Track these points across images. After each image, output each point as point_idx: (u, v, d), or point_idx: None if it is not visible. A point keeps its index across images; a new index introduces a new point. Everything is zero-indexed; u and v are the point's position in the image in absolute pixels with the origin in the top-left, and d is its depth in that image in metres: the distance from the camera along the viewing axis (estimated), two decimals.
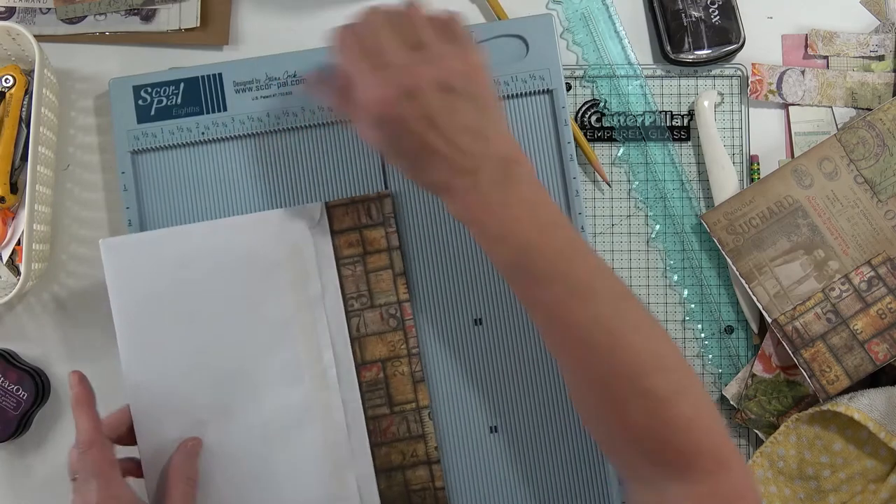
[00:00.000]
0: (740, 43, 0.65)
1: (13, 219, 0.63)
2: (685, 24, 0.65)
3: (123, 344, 0.59)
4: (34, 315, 0.65)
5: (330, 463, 0.60)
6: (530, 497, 0.61)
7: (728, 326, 0.64)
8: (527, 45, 0.63)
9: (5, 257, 0.63)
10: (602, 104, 0.66)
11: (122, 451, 0.58)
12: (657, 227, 0.65)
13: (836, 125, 0.66)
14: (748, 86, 0.65)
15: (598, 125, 0.66)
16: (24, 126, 0.62)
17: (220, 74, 0.63)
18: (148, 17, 0.66)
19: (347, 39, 0.52)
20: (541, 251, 0.49)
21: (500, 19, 0.65)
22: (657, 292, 0.65)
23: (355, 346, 0.61)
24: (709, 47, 0.65)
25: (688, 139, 0.66)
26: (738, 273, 0.62)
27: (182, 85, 0.63)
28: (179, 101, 0.63)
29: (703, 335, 0.65)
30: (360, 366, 0.61)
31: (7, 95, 0.62)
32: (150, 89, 0.63)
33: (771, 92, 0.65)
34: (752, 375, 0.63)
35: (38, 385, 0.63)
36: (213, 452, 0.59)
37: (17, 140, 0.62)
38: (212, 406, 0.59)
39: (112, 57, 0.67)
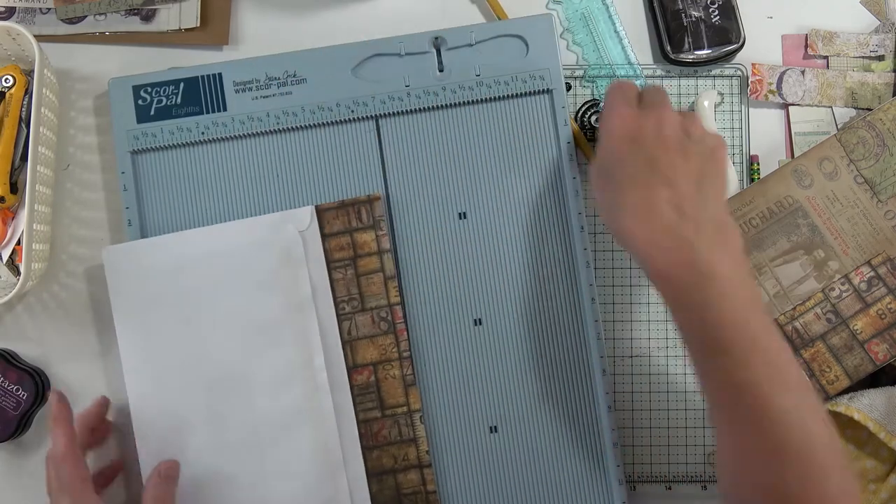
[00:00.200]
0: (740, 43, 0.65)
1: (13, 219, 0.63)
2: (685, 24, 0.65)
3: (125, 350, 0.61)
4: (34, 315, 0.65)
5: (321, 466, 0.60)
6: (528, 499, 0.61)
7: None
8: (527, 45, 0.63)
9: (5, 257, 0.63)
10: (602, 104, 0.66)
11: (98, 461, 0.61)
12: None
13: (836, 125, 0.65)
14: (748, 86, 0.65)
15: (598, 125, 0.66)
16: (24, 126, 0.62)
17: (219, 74, 0.63)
18: (148, 17, 0.66)
19: (618, 87, 0.57)
20: (742, 333, 0.49)
21: (499, 19, 0.65)
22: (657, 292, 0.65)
23: (346, 349, 0.61)
24: (709, 47, 0.65)
25: None
26: None
27: (182, 85, 0.63)
28: (179, 100, 0.63)
29: None
30: (352, 369, 0.61)
31: (7, 95, 0.62)
32: (149, 89, 0.63)
33: (771, 92, 0.65)
34: None
35: (38, 385, 0.63)
36: (205, 455, 0.60)
37: (17, 140, 0.62)
38: (206, 409, 0.60)
39: (112, 57, 0.67)
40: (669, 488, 0.64)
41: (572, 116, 0.66)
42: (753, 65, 0.65)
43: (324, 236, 0.62)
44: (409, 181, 0.63)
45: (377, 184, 0.63)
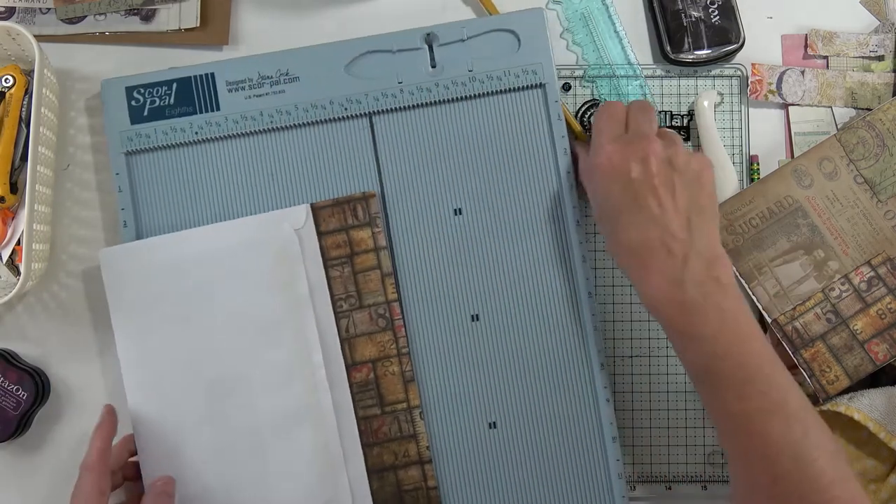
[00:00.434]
0: (740, 43, 0.65)
1: (13, 219, 0.63)
2: (685, 24, 0.65)
3: (123, 351, 0.61)
4: (34, 315, 0.65)
5: (322, 464, 0.60)
6: (529, 494, 0.62)
7: None
8: (519, 39, 0.64)
9: (5, 257, 0.63)
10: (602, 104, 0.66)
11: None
12: None
13: (836, 125, 0.65)
14: (748, 86, 0.65)
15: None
16: (24, 126, 0.62)
17: (212, 74, 0.63)
18: (148, 17, 0.66)
19: (606, 111, 0.59)
20: (738, 363, 0.50)
21: (490, 14, 0.65)
22: None
23: (345, 347, 0.61)
24: (708, 47, 0.65)
25: (687, 139, 0.66)
26: (737, 273, 0.62)
27: (175, 85, 0.63)
28: (172, 101, 0.63)
29: None
30: (351, 367, 0.61)
31: (7, 95, 0.62)
32: (142, 90, 0.63)
33: (771, 92, 0.65)
34: None
35: (38, 385, 0.63)
36: (205, 455, 0.60)
37: (17, 140, 0.62)
38: (205, 409, 0.60)
39: (112, 57, 0.67)
40: (669, 488, 0.64)
41: (573, 116, 0.66)
42: (753, 65, 0.65)
43: (320, 234, 0.62)
44: (404, 178, 0.63)
45: (372, 181, 0.63)
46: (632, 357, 0.64)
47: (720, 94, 0.66)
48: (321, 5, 0.67)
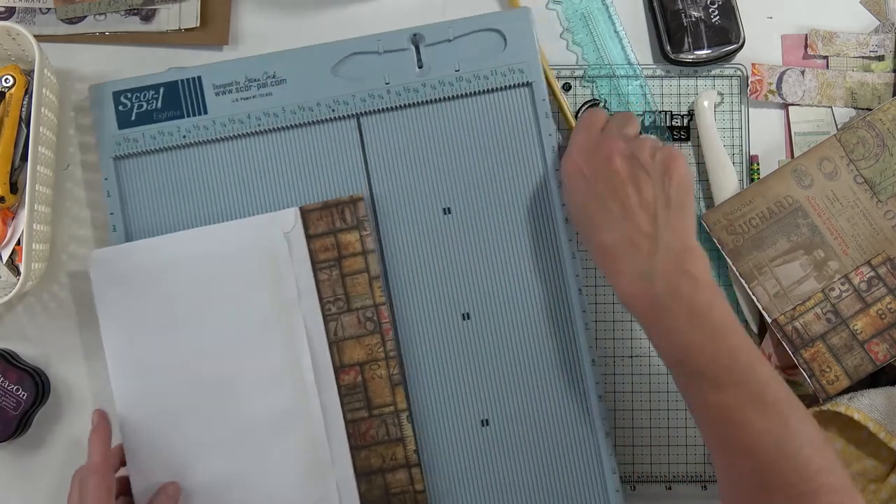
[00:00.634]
0: (740, 43, 0.65)
1: (13, 219, 0.63)
2: (685, 24, 0.65)
3: (111, 354, 0.61)
4: (34, 315, 0.65)
5: (310, 467, 0.60)
6: (522, 491, 0.62)
7: None
8: (505, 39, 0.64)
9: (5, 257, 0.63)
10: (602, 104, 0.66)
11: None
12: None
13: (836, 125, 0.65)
14: (748, 86, 0.65)
15: None
16: (24, 126, 0.62)
17: (199, 77, 0.63)
18: (148, 17, 0.66)
19: (585, 120, 0.60)
20: (712, 355, 0.50)
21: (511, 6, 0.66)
22: None
23: (333, 350, 0.61)
24: (709, 47, 0.65)
25: (687, 139, 0.66)
26: (737, 273, 0.62)
27: (162, 89, 0.63)
28: (160, 105, 0.63)
29: None
30: (339, 370, 0.61)
31: (7, 95, 0.62)
32: (129, 94, 0.63)
33: (771, 92, 0.65)
34: None
35: (38, 385, 0.63)
36: (193, 458, 0.60)
37: (17, 140, 0.62)
38: (193, 412, 0.60)
39: (112, 57, 0.67)
40: (669, 488, 0.64)
41: (573, 116, 0.66)
42: (753, 65, 0.65)
43: (308, 237, 0.62)
44: (393, 178, 0.63)
45: (360, 182, 0.63)
46: (632, 357, 0.64)
47: (720, 94, 0.66)
48: (321, 5, 0.67)
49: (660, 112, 0.66)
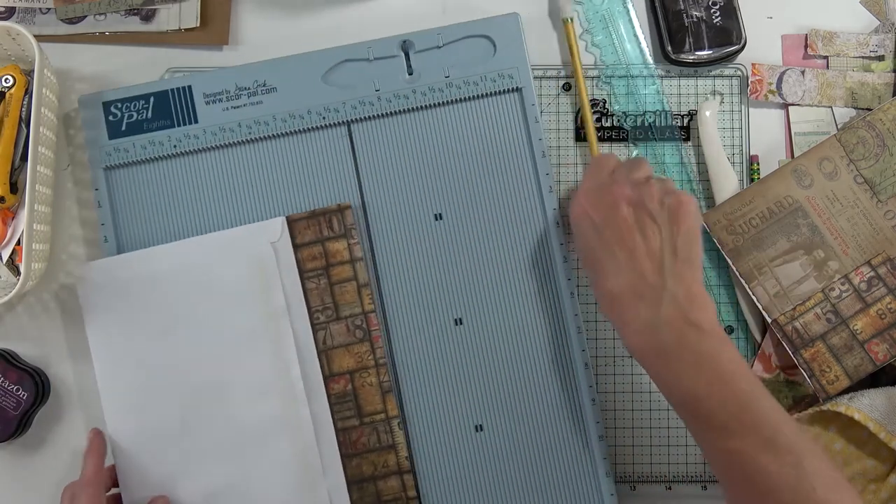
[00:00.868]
0: (741, 44, 0.65)
1: (13, 219, 0.63)
2: (686, 24, 0.65)
3: (99, 365, 0.61)
4: (34, 315, 0.65)
5: (301, 476, 0.60)
6: (516, 496, 0.62)
7: (728, 327, 0.64)
8: (494, 45, 0.64)
9: (5, 257, 0.63)
10: (602, 104, 0.66)
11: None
12: None
13: (836, 125, 0.65)
14: (748, 86, 0.65)
15: (597, 125, 0.66)
16: (24, 126, 0.62)
17: (189, 87, 0.63)
18: (148, 17, 0.66)
19: (594, 164, 0.58)
20: (721, 402, 0.50)
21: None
22: None
23: (322, 358, 0.61)
24: (710, 48, 0.65)
25: (688, 139, 0.66)
26: (737, 273, 0.62)
27: (152, 99, 0.63)
28: (150, 115, 0.63)
29: None
30: (328, 378, 0.61)
31: (7, 95, 0.62)
32: (119, 104, 0.63)
33: (771, 92, 0.65)
34: None
35: (38, 385, 0.63)
36: (183, 468, 0.60)
37: (17, 140, 0.62)
38: (183, 422, 0.60)
39: (112, 57, 0.67)
40: (669, 488, 0.64)
41: (573, 116, 0.66)
42: (753, 65, 0.65)
43: (296, 247, 0.62)
44: (384, 185, 0.63)
45: (352, 189, 0.63)
46: (632, 357, 0.64)
47: (720, 93, 0.66)
48: (321, 6, 0.67)
49: (660, 112, 0.66)
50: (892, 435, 0.57)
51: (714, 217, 0.63)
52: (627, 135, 0.66)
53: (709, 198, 0.65)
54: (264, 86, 0.63)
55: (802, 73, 0.66)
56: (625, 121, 0.66)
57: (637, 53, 0.66)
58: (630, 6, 0.66)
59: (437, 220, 0.63)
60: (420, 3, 0.67)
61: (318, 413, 0.61)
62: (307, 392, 0.60)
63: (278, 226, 0.62)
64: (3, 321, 0.65)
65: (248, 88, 0.63)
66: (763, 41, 0.66)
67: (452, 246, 0.63)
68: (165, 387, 0.60)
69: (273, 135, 0.63)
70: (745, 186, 0.65)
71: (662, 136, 0.65)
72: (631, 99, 0.66)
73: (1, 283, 0.63)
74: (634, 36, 0.66)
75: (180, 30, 0.66)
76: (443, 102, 0.63)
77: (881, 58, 0.66)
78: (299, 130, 0.63)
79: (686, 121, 0.66)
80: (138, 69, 0.65)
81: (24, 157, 0.61)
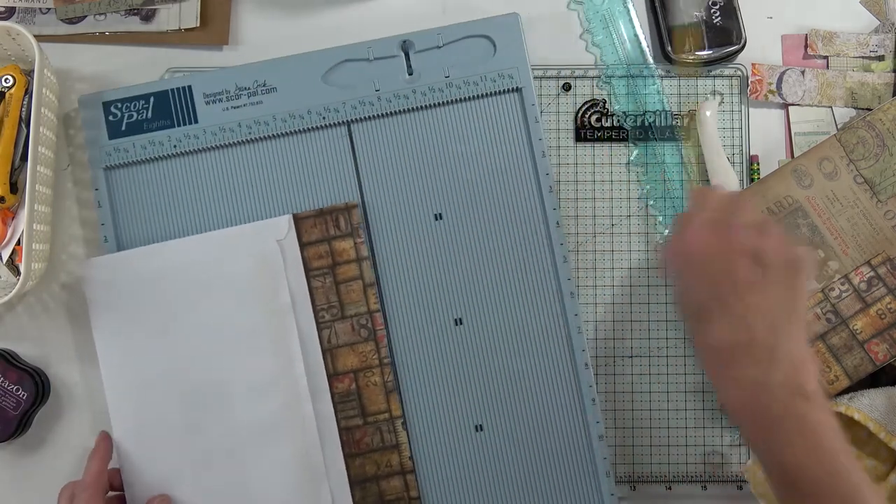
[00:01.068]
0: (741, 44, 0.65)
1: (13, 219, 0.63)
2: (686, 24, 0.65)
3: (104, 361, 0.61)
4: (34, 315, 0.65)
5: (303, 475, 0.60)
6: (517, 496, 0.62)
7: None
8: (494, 45, 0.64)
9: (5, 257, 0.63)
10: (602, 104, 0.66)
11: None
12: (665, 231, 0.65)
13: (836, 125, 0.65)
14: (748, 86, 0.65)
15: (597, 125, 0.66)
16: (24, 126, 0.62)
17: (189, 87, 0.63)
18: (148, 17, 0.66)
19: (700, 197, 0.54)
20: (816, 478, 0.48)
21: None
22: (657, 292, 0.65)
23: (327, 357, 0.61)
24: (710, 48, 0.65)
25: (688, 139, 0.66)
26: None
27: (152, 99, 0.64)
28: (150, 115, 0.63)
29: None
30: (332, 377, 0.61)
31: (7, 95, 0.62)
32: (119, 104, 0.64)
33: (771, 92, 0.65)
34: None
35: (38, 385, 0.63)
36: (187, 466, 0.60)
37: (17, 140, 0.62)
38: (186, 420, 0.60)
39: (112, 57, 0.67)
40: (669, 488, 0.64)
41: (573, 116, 0.66)
42: (753, 65, 0.65)
43: (302, 245, 0.62)
44: (384, 185, 0.63)
45: (352, 189, 0.63)
46: (632, 357, 0.64)
47: (720, 94, 0.66)
48: (321, 6, 0.67)
49: (660, 111, 0.66)
50: (892, 435, 0.57)
51: None
52: (627, 135, 0.66)
53: None
54: (264, 86, 0.63)
55: (802, 73, 0.66)
56: (625, 121, 0.66)
57: (637, 53, 0.66)
58: (630, 6, 0.66)
59: (437, 220, 0.63)
60: (420, 2, 0.67)
61: (321, 412, 0.61)
62: (311, 391, 0.60)
63: (285, 224, 0.62)
64: (3, 321, 0.65)
65: (248, 88, 0.63)
66: (763, 41, 0.66)
67: (452, 246, 0.63)
68: (170, 384, 0.60)
69: (273, 135, 0.63)
70: (745, 186, 0.65)
71: (662, 136, 0.65)
72: (631, 99, 0.66)
73: (1, 283, 0.63)
74: (635, 36, 0.66)
75: (180, 30, 0.66)
76: (443, 102, 0.64)
77: (881, 58, 0.66)
78: (299, 130, 0.63)
79: (686, 121, 0.66)
80: (138, 69, 0.65)
81: (24, 157, 0.61)
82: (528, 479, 0.62)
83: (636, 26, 0.66)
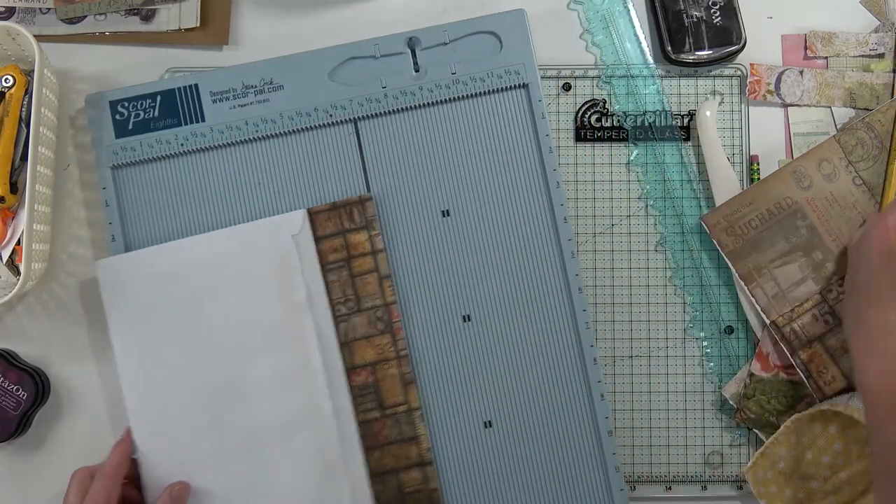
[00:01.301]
0: (741, 44, 0.65)
1: (13, 219, 0.63)
2: (686, 24, 0.65)
3: (121, 360, 0.61)
4: (34, 315, 0.65)
5: (323, 469, 0.60)
6: (528, 492, 0.62)
7: (728, 327, 0.65)
8: (500, 41, 0.64)
9: (5, 257, 0.63)
10: (602, 104, 0.66)
11: None
12: (665, 231, 0.65)
13: (836, 126, 0.66)
14: (747, 86, 0.65)
15: (597, 125, 0.66)
16: (24, 126, 0.62)
17: (196, 85, 0.63)
18: (148, 17, 0.66)
19: None
20: None
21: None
22: (657, 293, 0.65)
23: (344, 350, 0.61)
24: (710, 48, 0.65)
25: (688, 139, 0.66)
26: (737, 275, 0.62)
27: (158, 98, 0.63)
28: (157, 113, 0.63)
29: (703, 334, 0.65)
30: (350, 370, 0.61)
31: (7, 95, 0.62)
32: (126, 103, 0.63)
33: (769, 92, 0.65)
34: (751, 375, 0.63)
35: (38, 385, 0.63)
36: (206, 462, 0.60)
37: (17, 140, 0.62)
38: (205, 416, 0.60)
39: (112, 57, 0.66)
40: (669, 488, 0.64)
41: (573, 116, 0.66)
42: (752, 65, 0.65)
43: (317, 239, 0.62)
44: (391, 182, 0.63)
45: (359, 187, 0.63)
46: (632, 357, 0.65)
47: (720, 94, 0.66)
48: (321, 6, 0.67)
49: (660, 111, 0.66)
50: None
51: (714, 218, 0.63)
52: (627, 135, 0.66)
53: (709, 198, 0.65)
54: (271, 83, 0.63)
55: (801, 73, 0.66)
56: (625, 121, 0.66)
57: (637, 53, 0.66)
58: (630, 6, 0.66)
59: (444, 216, 0.63)
60: (419, 2, 0.67)
61: (339, 406, 0.61)
62: (329, 384, 0.61)
63: (299, 218, 0.62)
64: (3, 321, 0.65)
65: (255, 86, 0.63)
66: (763, 41, 0.66)
67: (460, 242, 0.63)
68: (186, 380, 0.60)
69: (280, 133, 0.63)
70: (745, 187, 0.65)
71: (662, 136, 0.65)
72: (631, 99, 0.66)
73: (1, 283, 0.63)
74: (634, 36, 0.66)
75: (180, 30, 0.66)
76: (449, 99, 0.64)
77: (881, 56, 0.66)
78: (306, 128, 0.63)
79: (686, 121, 0.66)
80: (138, 69, 0.65)
81: (24, 157, 0.61)
82: (537, 475, 0.62)
83: (636, 26, 0.66)
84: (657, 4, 0.66)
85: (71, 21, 0.66)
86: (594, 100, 0.66)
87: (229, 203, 0.63)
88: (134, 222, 0.63)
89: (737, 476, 0.64)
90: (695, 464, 0.64)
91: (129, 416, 0.60)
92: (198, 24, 0.66)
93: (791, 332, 0.61)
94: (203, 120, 0.63)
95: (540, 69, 0.65)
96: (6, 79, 0.62)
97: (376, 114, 0.63)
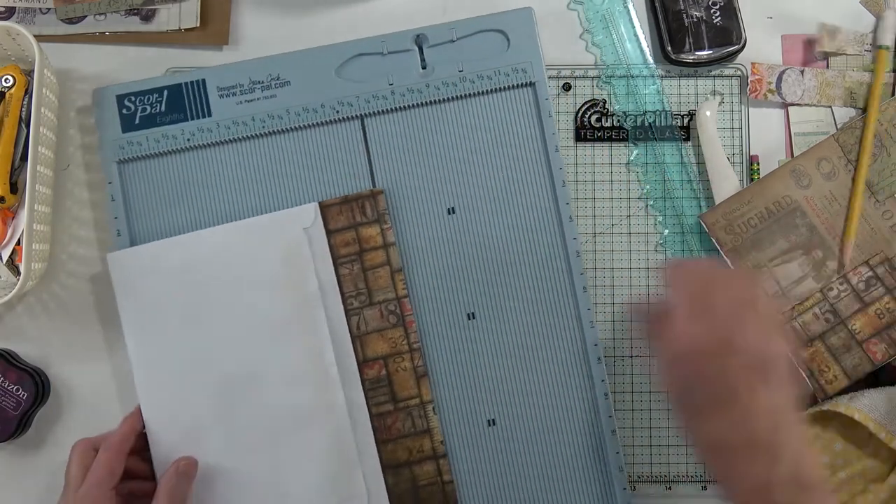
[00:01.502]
0: (741, 44, 0.65)
1: (13, 219, 0.63)
2: (686, 24, 0.65)
3: (133, 353, 0.61)
4: (34, 315, 0.65)
5: (336, 462, 0.60)
6: (532, 488, 0.62)
7: None
8: (508, 39, 0.64)
9: (5, 257, 0.63)
10: (602, 104, 0.66)
11: None
12: (665, 231, 0.65)
13: (836, 125, 0.66)
14: (748, 85, 0.65)
15: (598, 125, 0.66)
16: (24, 126, 0.62)
17: (203, 80, 0.63)
18: (148, 17, 0.66)
19: (680, 277, 0.51)
20: None
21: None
22: (657, 292, 0.65)
23: (356, 344, 0.61)
24: (710, 48, 0.65)
25: (688, 139, 0.66)
26: None
27: (165, 92, 0.63)
28: (163, 108, 0.63)
29: None
30: (363, 364, 0.61)
31: (7, 95, 0.62)
32: (133, 98, 0.63)
33: (770, 91, 0.65)
34: None
35: (38, 385, 0.63)
36: (219, 455, 0.60)
37: (17, 140, 0.62)
38: (218, 409, 0.60)
39: (112, 57, 0.67)
40: (669, 488, 0.64)
41: (573, 116, 0.66)
42: (753, 64, 0.65)
43: (329, 232, 0.62)
44: (397, 179, 0.63)
45: (365, 183, 0.63)
46: (632, 357, 0.65)
47: (720, 93, 0.66)
48: (321, 5, 0.67)
49: (660, 111, 0.66)
50: (892, 435, 0.58)
51: (713, 217, 0.63)
52: (627, 135, 0.66)
53: (709, 198, 0.65)
54: (278, 79, 0.63)
55: (802, 72, 0.66)
56: (625, 121, 0.66)
57: (637, 53, 0.66)
58: (630, 6, 0.66)
59: (450, 214, 0.63)
60: (420, 1, 0.67)
61: (352, 399, 0.61)
62: (342, 378, 0.61)
63: (311, 212, 0.62)
64: (3, 321, 0.65)
65: (262, 82, 0.63)
66: (763, 41, 0.67)
67: (465, 240, 0.63)
68: (199, 374, 0.60)
69: (287, 128, 0.63)
70: (745, 186, 0.65)
71: (662, 136, 0.65)
72: (631, 99, 0.66)
73: (1, 283, 0.63)
74: (634, 36, 0.66)
75: (180, 30, 0.66)
76: (456, 97, 0.64)
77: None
78: (313, 124, 0.63)
79: (686, 121, 0.66)
80: (138, 69, 0.65)
81: (24, 157, 0.61)
82: (540, 473, 0.62)
83: (636, 26, 0.66)
84: (657, 4, 0.66)
85: (71, 21, 0.66)
86: (594, 100, 0.66)
87: (234, 199, 0.63)
88: (139, 217, 0.63)
89: None
90: (695, 464, 0.64)
91: (142, 409, 0.60)
92: (198, 24, 0.66)
93: (791, 330, 0.61)
94: (210, 115, 0.63)
95: None
96: (6, 79, 0.62)
97: (383, 111, 0.63)
